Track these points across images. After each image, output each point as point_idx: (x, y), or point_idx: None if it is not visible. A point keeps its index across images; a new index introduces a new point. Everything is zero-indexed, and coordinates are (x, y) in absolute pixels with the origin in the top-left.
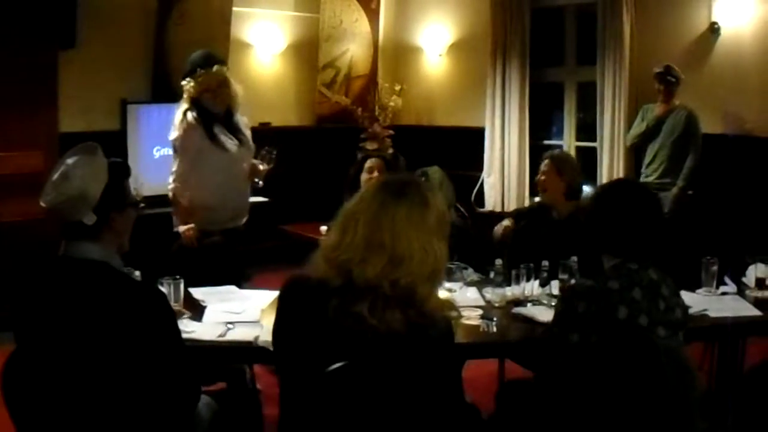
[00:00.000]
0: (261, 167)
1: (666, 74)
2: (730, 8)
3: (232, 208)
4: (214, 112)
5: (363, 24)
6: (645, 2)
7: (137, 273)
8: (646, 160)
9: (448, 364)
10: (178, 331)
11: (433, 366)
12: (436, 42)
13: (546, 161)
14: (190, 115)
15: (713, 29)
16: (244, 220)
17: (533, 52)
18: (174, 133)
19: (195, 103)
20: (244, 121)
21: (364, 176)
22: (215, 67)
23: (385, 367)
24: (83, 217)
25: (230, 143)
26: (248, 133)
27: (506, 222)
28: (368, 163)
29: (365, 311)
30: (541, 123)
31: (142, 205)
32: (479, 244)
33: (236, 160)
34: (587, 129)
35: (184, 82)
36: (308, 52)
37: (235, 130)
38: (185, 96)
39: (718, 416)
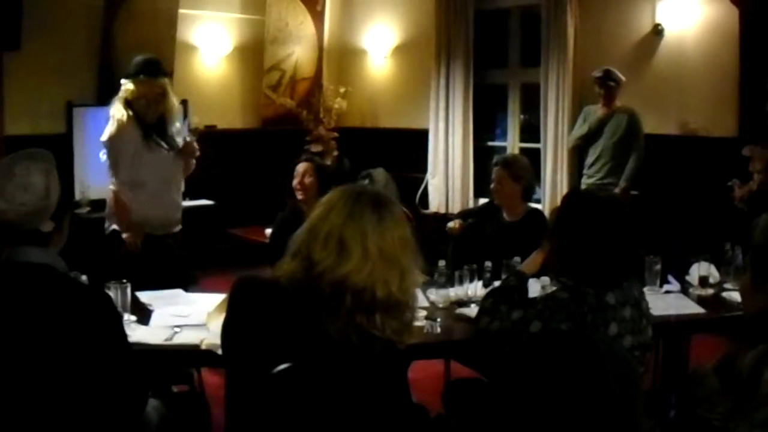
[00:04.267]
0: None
1: (606, 78)
2: (673, 10)
3: (164, 215)
4: (146, 121)
5: (308, 26)
6: (589, 4)
7: (84, 277)
8: (589, 161)
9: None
10: (124, 335)
11: (401, 371)
12: (380, 44)
13: (498, 169)
14: (125, 115)
15: (657, 31)
16: (178, 228)
17: (477, 54)
18: (107, 134)
19: (129, 106)
20: (178, 129)
21: (293, 181)
22: (158, 78)
23: (354, 372)
24: (42, 226)
25: (164, 147)
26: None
27: (457, 220)
28: (297, 168)
29: (378, 320)
30: (485, 124)
31: (88, 209)
32: (424, 246)
33: (169, 165)
34: (531, 130)
35: (123, 81)
36: (254, 54)
37: (167, 139)
38: (121, 95)
39: (663, 413)
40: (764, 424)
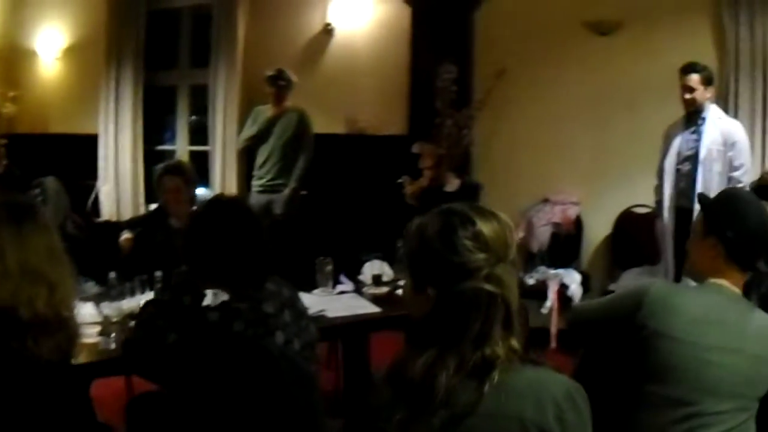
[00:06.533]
0: None
1: (277, 78)
2: (344, 9)
3: None
4: None
5: None
6: (260, 4)
7: None
8: (258, 161)
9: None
10: None
11: (80, 391)
12: (50, 45)
13: (171, 177)
14: None
15: (327, 30)
16: None
17: (148, 55)
18: None
19: None
20: None
21: None
22: None
23: (32, 395)
24: None
25: None
26: None
27: (126, 234)
28: None
29: (30, 342)
30: (155, 128)
31: None
32: (98, 256)
33: None
34: (201, 132)
35: None
36: None
37: None
38: None
39: (351, 412)
40: (443, 428)
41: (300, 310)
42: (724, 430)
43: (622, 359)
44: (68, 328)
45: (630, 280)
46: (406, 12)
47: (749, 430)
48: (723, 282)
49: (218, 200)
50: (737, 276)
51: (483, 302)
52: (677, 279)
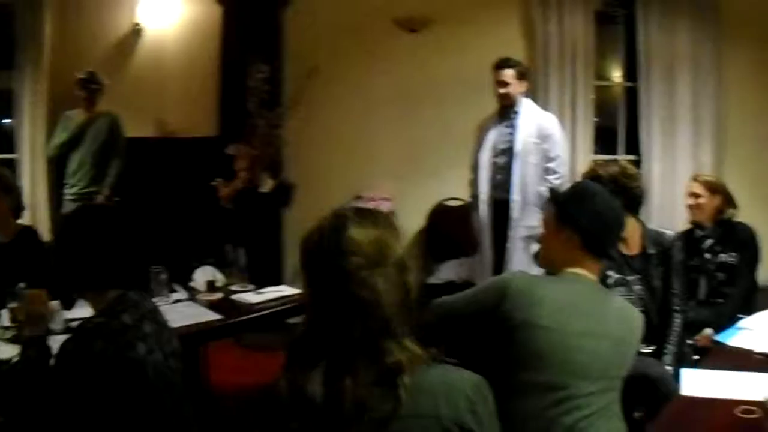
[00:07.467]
0: None
1: (88, 81)
2: (153, 8)
3: None
4: None
5: None
6: (66, 2)
7: None
8: (70, 169)
9: None
10: None
11: None
12: None
13: None
14: None
15: (136, 30)
16: None
17: None
18: None
19: None
20: None
21: None
22: None
23: None
24: None
25: None
26: None
27: None
28: None
29: None
30: None
31: None
32: None
33: None
34: (6, 139)
35: None
36: None
37: None
38: None
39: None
40: None
41: (161, 323)
42: (595, 409)
43: (489, 351)
44: None
45: (448, 273)
46: (216, 11)
47: (615, 406)
48: (580, 271)
49: (90, 206)
50: (593, 264)
51: (357, 308)
52: (497, 270)
